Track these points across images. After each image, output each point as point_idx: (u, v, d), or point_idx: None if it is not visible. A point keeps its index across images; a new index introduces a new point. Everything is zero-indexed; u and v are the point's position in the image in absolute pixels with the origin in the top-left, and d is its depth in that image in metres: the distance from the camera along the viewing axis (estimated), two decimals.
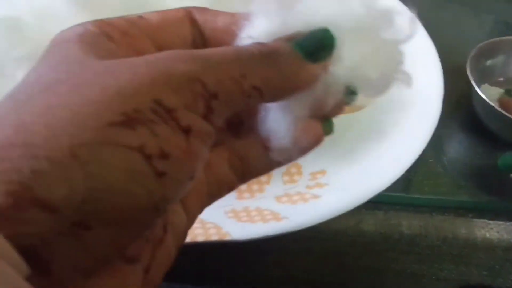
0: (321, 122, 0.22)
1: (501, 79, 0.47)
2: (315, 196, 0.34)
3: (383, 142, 0.38)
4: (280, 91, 0.19)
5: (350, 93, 0.22)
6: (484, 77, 0.46)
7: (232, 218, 0.33)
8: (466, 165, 0.41)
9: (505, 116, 0.39)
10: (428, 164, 0.41)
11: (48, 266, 0.13)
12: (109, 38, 0.20)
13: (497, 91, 0.44)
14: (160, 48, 0.22)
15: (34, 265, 0.13)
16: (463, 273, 0.38)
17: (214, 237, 0.30)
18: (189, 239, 0.30)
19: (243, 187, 0.37)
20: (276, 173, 0.37)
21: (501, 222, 0.36)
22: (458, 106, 0.45)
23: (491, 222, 0.36)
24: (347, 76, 0.21)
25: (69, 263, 0.14)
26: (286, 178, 0.37)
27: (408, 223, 0.35)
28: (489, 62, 0.46)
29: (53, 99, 0.15)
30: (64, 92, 0.15)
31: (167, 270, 0.19)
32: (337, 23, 0.20)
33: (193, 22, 0.22)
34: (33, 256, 0.13)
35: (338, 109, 0.22)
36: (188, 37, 0.22)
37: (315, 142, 0.22)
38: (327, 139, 0.42)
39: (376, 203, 0.37)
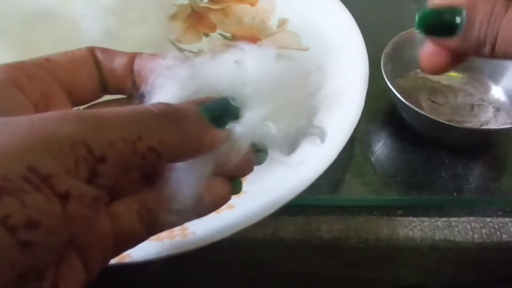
0: (229, 181, 0.23)
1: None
2: (230, 206, 0.33)
3: (302, 144, 0.36)
4: (181, 153, 0.19)
5: (259, 151, 0.22)
6: (414, 64, 0.45)
7: None
8: (393, 162, 0.40)
9: (412, 109, 0.38)
10: (357, 162, 0.40)
11: None
12: (17, 86, 0.20)
13: (425, 79, 0.43)
14: (69, 90, 0.22)
15: None
16: (393, 273, 0.37)
17: (112, 260, 0.28)
18: None
19: None
20: None
21: (425, 219, 0.35)
22: (383, 100, 0.44)
23: (415, 219, 0.35)
24: (251, 136, 0.21)
25: None
26: None
27: (329, 227, 0.34)
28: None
29: None
30: None
31: None
32: (240, 89, 0.21)
33: (96, 61, 0.23)
34: None
35: (247, 168, 0.23)
36: (95, 77, 0.23)
37: (220, 201, 0.23)
38: None
39: (298, 207, 0.36)
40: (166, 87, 0.21)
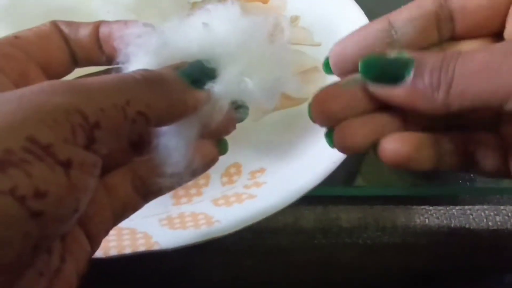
0: (215, 142, 0.24)
1: None
2: (251, 196, 0.34)
3: (319, 135, 0.37)
4: (167, 116, 0.20)
5: (239, 108, 0.23)
6: None
7: (165, 226, 0.32)
8: None
9: None
10: (372, 154, 0.41)
11: None
12: None
13: None
14: (43, 66, 0.23)
15: None
16: (408, 261, 0.38)
17: (142, 248, 0.29)
18: (115, 251, 0.29)
19: (181, 191, 0.36)
20: (215, 174, 0.37)
21: (441, 207, 0.36)
22: None
23: (431, 208, 0.36)
24: (230, 94, 0.22)
25: None
26: (225, 179, 0.37)
27: (347, 216, 0.35)
28: None
29: None
30: None
31: None
32: (211, 50, 0.22)
33: (62, 34, 0.23)
34: None
35: (230, 126, 0.24)
36: (65, 50, 0.23)
37: (209, 162, 0.23)
38: (269, 136, 0.42)
39: (316, 198, 0.37)
40: (140, 55, 0.21)
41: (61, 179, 0.15)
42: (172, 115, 0.20)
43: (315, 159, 0.35)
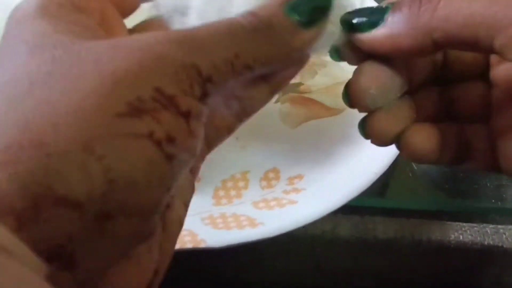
0: None
1: None
2: (292, 202, 0.35)
3: (361, 145, 0.38)
4: (271, 64, 0.19)
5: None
6: None
7: (208, 225, 0.33)
8: (441, 169, 0.42)
9: None
10: (405, 168, 0.42)
11: (73, 259, 0.14)
12: (79, 8, 0.19)
13: None
14: (121, 9, 0.21)
15: (58, 260, 0.13)
16: (440, 275, 0.38)
17: (189, 245, 0.30)
18: None
19: (221, 193, 0.37)
20: (254, 178, 0.38)
21: (474, 225, 0.37)
22: None
23: (465, 224, 0.37)
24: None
25: (93, 255, 0.14)
26: (264, 183, 0.37)
27: (384, 227, 0.36)
28: None
29: (51, 95, 0.15)
30: (60, 86, 0.15)
31: (177, 237, 0.19)
32: None
33: None
34: (58, 252, 0.13)
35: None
36: None
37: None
38: (306, 144, 0.42)
39: (353, 207, 0.37)
40: None
41: (184, 127, 0.16)
42: (277, 61, 0.19)
43: (356, 169, 0.36)
